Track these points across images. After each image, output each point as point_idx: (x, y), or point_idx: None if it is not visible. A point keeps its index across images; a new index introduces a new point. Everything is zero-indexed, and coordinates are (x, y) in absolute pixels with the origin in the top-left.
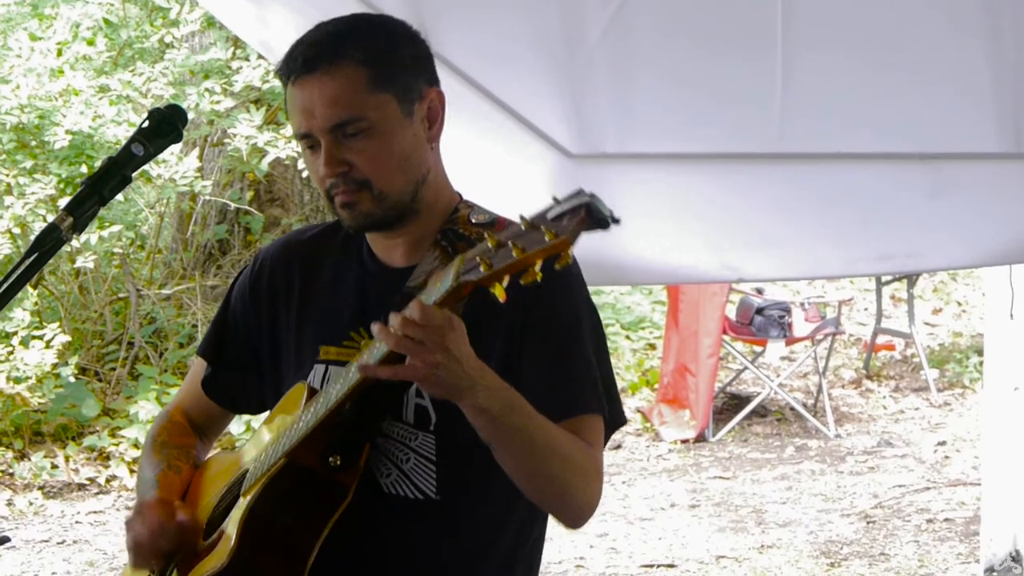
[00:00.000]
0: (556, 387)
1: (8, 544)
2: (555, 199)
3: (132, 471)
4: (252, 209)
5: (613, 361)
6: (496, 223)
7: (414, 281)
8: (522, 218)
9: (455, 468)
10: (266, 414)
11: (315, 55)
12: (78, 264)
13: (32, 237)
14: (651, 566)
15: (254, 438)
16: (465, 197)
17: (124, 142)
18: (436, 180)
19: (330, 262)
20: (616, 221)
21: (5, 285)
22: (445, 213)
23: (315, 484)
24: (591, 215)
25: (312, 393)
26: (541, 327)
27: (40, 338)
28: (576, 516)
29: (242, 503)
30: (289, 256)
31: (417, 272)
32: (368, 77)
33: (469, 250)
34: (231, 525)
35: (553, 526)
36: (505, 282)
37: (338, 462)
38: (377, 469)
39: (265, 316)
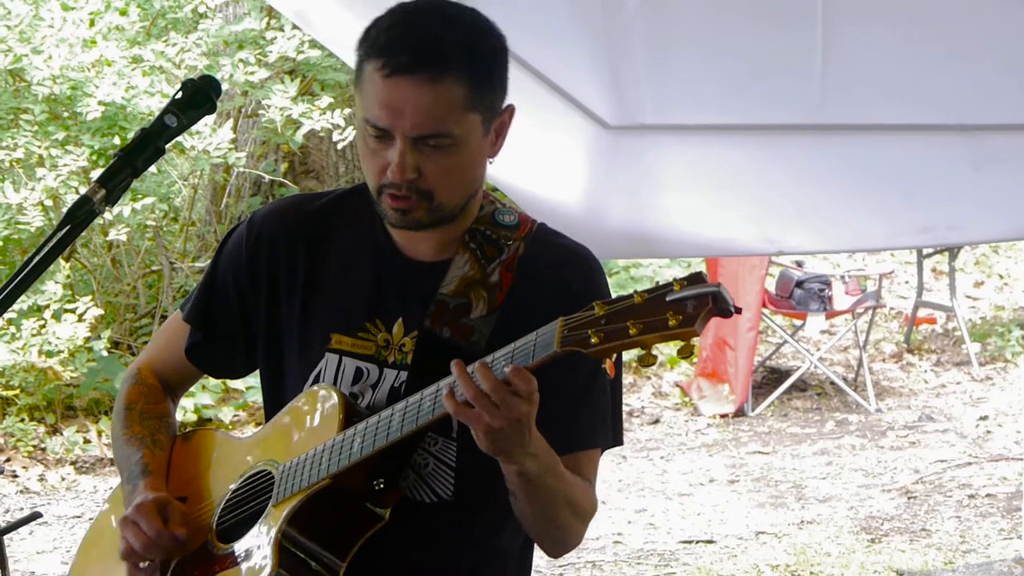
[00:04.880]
0: (573, 422)
1: (40, 520)
2: (675, 280)
3: None
4: (287, 181)
5: None
6: (520, 225)
7: (447, 287)
8: (637, 293)
9: (472, 472)
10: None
11: (421, 58)
12: (111, 237)
13: (64, 209)
14: (690, 542)
15: (268, 431)
16: (485, 190)
17: (157, 113)
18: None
19: (340, 241)
20: (738, 311)
21: (37, 258)
22: (475, 212)
23: (356, 506)
24: (717, 305)
25: (350, 407)
26: (562, 361)
27: (72, 311)
28: (561, 551)
29: (275, 516)
30: (292, 229)
31: (449, 277)
32: (466, 96)
33: (572, 316)
34: (264, 540)
35: None
36: (614, 357)
37: (381, 485)
38: None
39: (263, 289)
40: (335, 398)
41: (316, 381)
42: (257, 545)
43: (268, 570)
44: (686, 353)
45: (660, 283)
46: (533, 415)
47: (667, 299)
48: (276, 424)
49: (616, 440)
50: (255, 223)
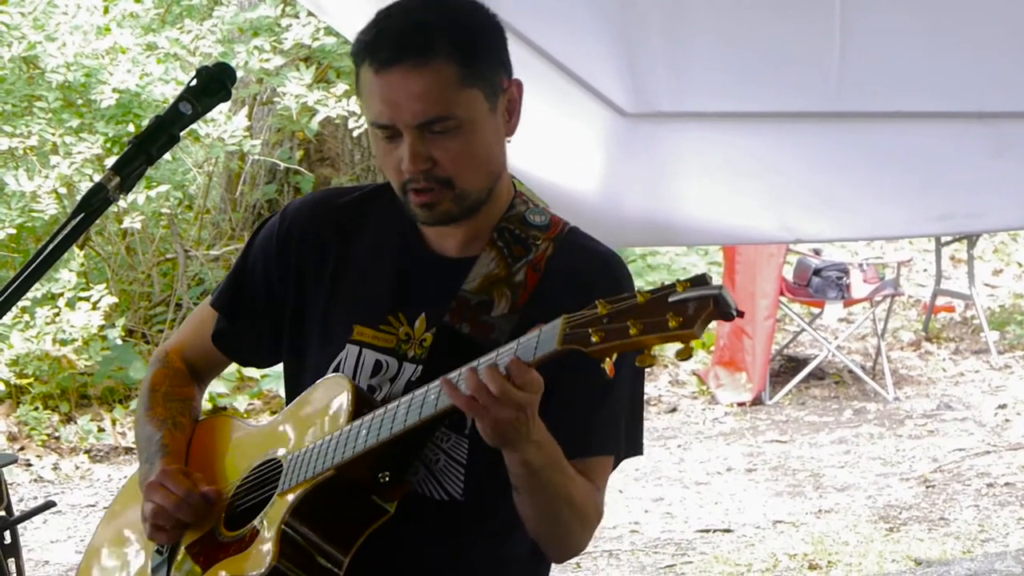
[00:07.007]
0: (584, 426)
1: (54, 509)
2: (678, 281)
3: None
4: (302, 169)
5: None
6: (551, 226)
7: (469, 284)
8: (640, 293)
9: (483, 472)
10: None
11: (404, 46)
12: (125, 224)
13: (78, 197)
14: (707, 531)
15: (281, 420)
16: (517, 184)
17: (172, 101)
18: (505, 173)
19: (368, 234)
20: (740, 314)
21: (51, 246)
22: (504, 206)
23: (361, 498)
24: (719, 308)
25: (361, 398)
26: (584, 361)
27: (87, 299)
28: (564, 556)
29: (279, 505)
30: (323, 221)
31: (473, 274)
32: (458, 73)
33: (575, 313)
34: (268, 529)
35: (609, 492)
36: (615, 357)
37: (387, 478)
38: None
39: (292, 279)
40: (346, 388)
41: (336, 372)
42: (261, 534)
43: (269, 559)
44: (684, 356)
45: (664, 284)
46: (533, 405)
47: (669, 300)
48: (289, 413)
49: (632, 449)
50: (288, 214)
